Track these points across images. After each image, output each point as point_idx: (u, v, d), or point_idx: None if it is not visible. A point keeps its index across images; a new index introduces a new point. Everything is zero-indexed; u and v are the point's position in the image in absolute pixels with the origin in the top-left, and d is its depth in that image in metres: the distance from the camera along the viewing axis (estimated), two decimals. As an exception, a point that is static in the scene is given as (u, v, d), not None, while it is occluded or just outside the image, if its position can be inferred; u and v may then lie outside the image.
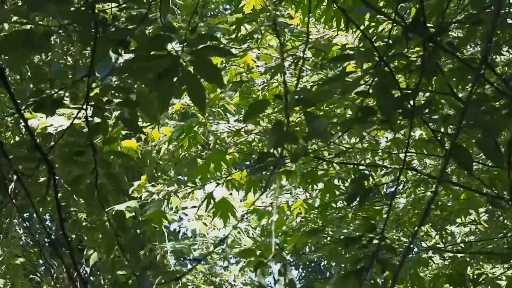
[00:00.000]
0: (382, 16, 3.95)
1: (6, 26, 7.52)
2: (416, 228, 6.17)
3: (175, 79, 2.28)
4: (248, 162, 6.73)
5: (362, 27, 5.62)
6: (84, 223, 9.81)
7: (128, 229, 2.50)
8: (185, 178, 6.55)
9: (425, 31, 2.73)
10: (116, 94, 2.39)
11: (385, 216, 6.84)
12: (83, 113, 2.36)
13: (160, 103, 2.30)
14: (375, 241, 2.77)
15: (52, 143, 2.39)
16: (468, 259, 6.85)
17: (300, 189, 7.02)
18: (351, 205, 6.93)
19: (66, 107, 2.28)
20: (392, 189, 7.50)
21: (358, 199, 2.95)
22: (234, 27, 6.06)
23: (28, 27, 2.39)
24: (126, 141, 6.26)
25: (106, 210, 2.47)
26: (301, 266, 8.46)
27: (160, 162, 7.56)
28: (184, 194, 6.37)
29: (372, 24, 4.95)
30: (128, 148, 6.28)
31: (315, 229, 6.43)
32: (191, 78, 2.28)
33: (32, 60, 8.19)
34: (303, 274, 11.69)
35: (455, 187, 6.29)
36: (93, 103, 2.32)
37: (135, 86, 2.46)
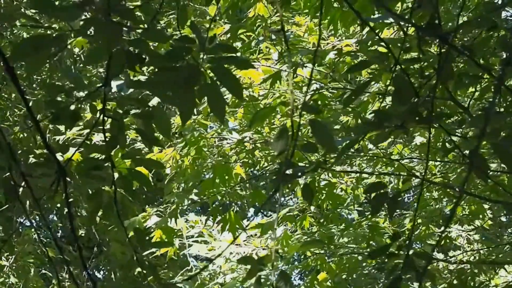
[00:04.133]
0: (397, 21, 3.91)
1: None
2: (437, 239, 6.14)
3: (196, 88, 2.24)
4: (252, 175, 6.68)
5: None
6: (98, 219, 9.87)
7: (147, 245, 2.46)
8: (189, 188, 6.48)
9: (441, 33, 2.69)
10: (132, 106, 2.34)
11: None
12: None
13: (182, 114, 2.26)
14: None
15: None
16: (475, 270, 6.81)
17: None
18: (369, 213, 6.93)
19: (83, 119, 2.24)
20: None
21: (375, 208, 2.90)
22: (229, 35, 6.00)
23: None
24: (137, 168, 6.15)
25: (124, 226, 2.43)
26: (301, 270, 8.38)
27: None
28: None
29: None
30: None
31: (316, 240, 6.37)
32: (212, 88, 2.24)
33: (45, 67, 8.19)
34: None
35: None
36: (110, 115, 2.27)
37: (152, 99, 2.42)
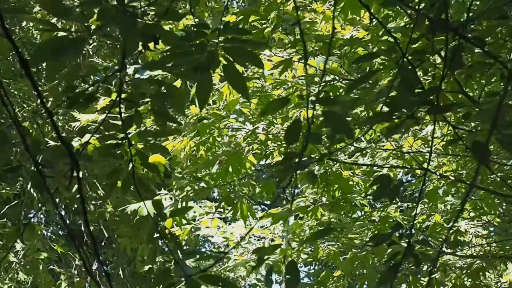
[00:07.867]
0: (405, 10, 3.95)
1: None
2: (445, 236, 6.16)
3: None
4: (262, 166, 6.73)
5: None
6: (108, 215, 9.94)
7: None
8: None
9: (449, 24, 2.73)
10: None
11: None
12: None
13: (199, 97, 2.35)
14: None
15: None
16: (484, 265, 6.83)
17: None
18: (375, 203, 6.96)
19: (98, 100, 2.30)
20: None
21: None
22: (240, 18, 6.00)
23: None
24: (153, 156, 6.15)
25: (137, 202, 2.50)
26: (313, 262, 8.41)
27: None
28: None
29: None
30: (157, 163, 6.19)
31: (327, 229, 6.42)
32: (229, 68, 2.32)
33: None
34: (313, 270, 11.50)
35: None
36: (126, 97, 2.34)
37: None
